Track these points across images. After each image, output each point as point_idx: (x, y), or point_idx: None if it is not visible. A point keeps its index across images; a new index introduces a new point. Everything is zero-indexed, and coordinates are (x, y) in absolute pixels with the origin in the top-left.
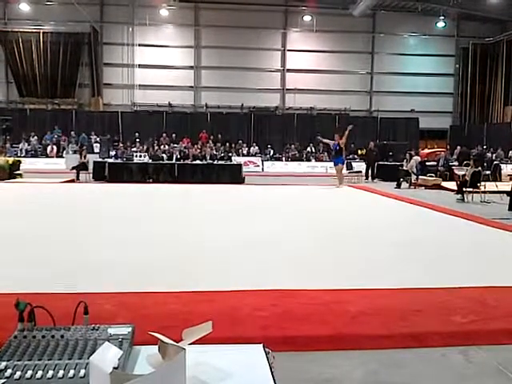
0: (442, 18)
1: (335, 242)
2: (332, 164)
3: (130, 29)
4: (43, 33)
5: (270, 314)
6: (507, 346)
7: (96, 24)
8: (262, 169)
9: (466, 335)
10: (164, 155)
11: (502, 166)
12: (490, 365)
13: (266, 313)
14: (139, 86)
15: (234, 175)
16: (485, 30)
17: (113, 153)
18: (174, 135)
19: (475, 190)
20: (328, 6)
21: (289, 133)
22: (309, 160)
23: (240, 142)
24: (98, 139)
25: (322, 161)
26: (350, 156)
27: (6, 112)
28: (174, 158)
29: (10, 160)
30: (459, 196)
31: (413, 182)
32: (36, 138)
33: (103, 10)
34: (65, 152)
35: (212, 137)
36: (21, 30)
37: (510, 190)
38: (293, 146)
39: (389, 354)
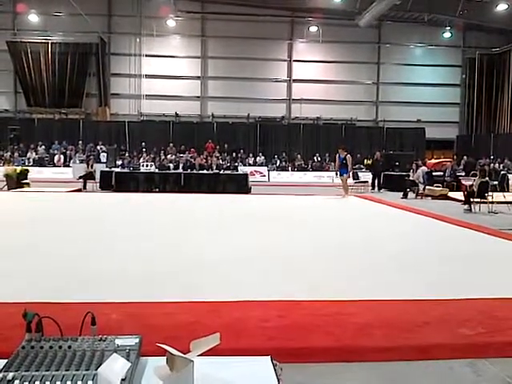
0: (449, 28)
1: (341, 253)
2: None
3: (138, 39)
4: (51, 43)
5: (277, 326)
6: None
7: (104, 35)
8: (268, 178)
9: (474, 348)
10: (170, 165)
11: (510, 176)
12: (498, 378)
13: (273, 324)
14: (146, 96)
15: (240, 185)
16: (491, 40)
17: (119, 162)
18: (182, 146)
19: (483, 200)
20: (334, 16)
21: (295, 143)
22: (315, 170)
23: (246, 151)
24: (104, 149)
25: (328, 171)
26: (356, 166)
27: (14, 121)
28: (181, 167)
29: (18, 169)
30: (466, 206)
31: (419, 192)
32: (43, 147)
33: (111, 20)
34: (72, 161)
35: (218, 146)
36: (29, 40)
37: None
38: (299, 155)
39: (395, 367)
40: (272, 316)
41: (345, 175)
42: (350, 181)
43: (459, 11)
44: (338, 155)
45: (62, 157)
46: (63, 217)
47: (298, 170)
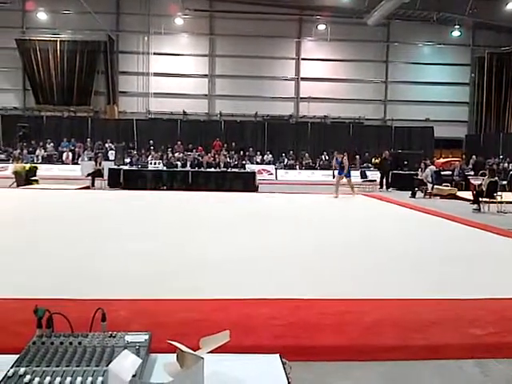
0: (457, 27)
1: (348, 252)
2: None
3: (146, 37)
4: (60, 41)
5: (285, 324)
6: None
7: (112, 33)
8: (276, 177)
9: (485, 348)
10: (178, 163)
11: None
12: (508, 378)
13: (281, 322)
14: (154, 94)
15: (248, 183)
16: (500, 39)
17: (127, 160)
18: (190, 145)
19: (491, 200)
20: (342, 15)
21: (303, 141)
22: (323, 168)
23: (254, 149)
24: (113, 146)
25: (336, 169)
26: (364, 165)
27: (23, 119)
28: (188, 165)
29: (27, 166)
30: (475, 206)
31: (428, 191)
32: (52, 144)
33: (119, 18)
34: (80, 159)
35: (226, 145)
36: (38, 38)
37: None
38: (307, 154)
39: (404, 366)
40: (280, 314)
41: (345, 176)
42: (358, 180)
43: (468, 10)
44: (335, 159)
45: (70, 154)
46: (70, 215)
47: (305, 169)
